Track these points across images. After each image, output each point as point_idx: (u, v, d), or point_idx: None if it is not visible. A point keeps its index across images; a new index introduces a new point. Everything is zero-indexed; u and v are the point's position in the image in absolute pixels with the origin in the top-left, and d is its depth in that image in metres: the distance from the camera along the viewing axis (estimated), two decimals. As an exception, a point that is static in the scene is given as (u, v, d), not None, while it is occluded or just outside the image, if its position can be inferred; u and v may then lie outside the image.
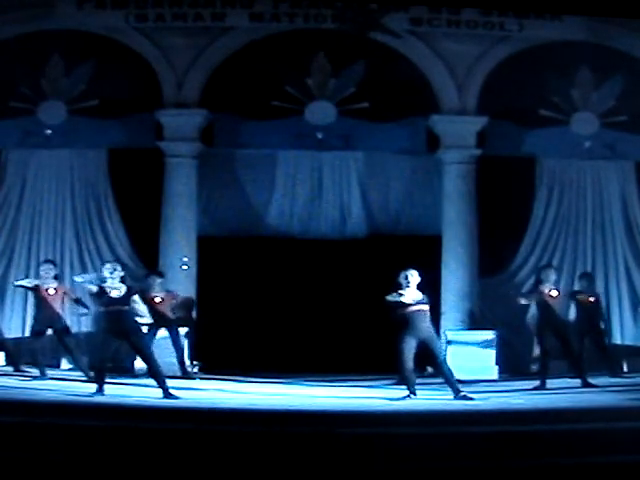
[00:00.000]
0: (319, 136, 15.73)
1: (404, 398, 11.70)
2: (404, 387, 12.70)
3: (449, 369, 12.07)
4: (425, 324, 11.97)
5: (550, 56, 15.57)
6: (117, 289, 11.76)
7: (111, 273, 11.82)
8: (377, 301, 15.38)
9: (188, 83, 15.82)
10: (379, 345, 14.98)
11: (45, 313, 13.65)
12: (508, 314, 15.33)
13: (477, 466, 8.29)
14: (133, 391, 11.93)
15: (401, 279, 12.08)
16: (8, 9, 15.30)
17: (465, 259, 15.52)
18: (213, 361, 14.69)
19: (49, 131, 15.66)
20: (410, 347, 11.87)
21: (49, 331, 13.75)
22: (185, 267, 14.27)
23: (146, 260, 15.65)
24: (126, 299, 11.77)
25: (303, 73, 15.78)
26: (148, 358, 11.80)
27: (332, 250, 15.70)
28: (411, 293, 12.01)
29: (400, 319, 11.99)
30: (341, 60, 15.71)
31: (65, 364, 14.73)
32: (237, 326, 15.28)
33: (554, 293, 13.66)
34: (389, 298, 12.06)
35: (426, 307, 12.00)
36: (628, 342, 15.52)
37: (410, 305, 11.91)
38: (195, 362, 14.66)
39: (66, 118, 15.72)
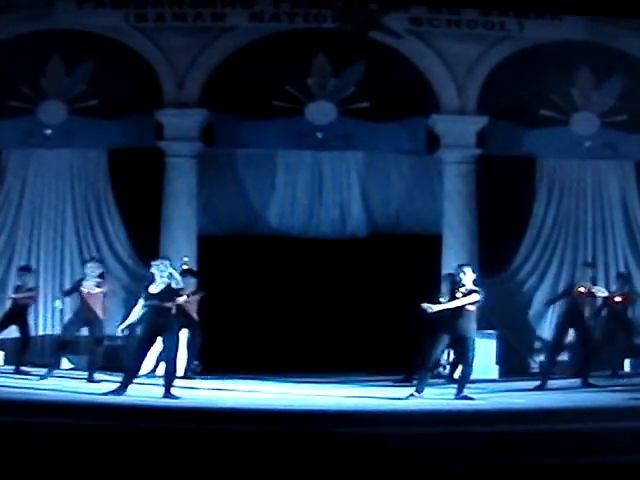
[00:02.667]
0: (319, 136, 15.73)
1: (408, 398, 11.66)
2: (405, 385, 12.74)
3: (470, 372, 11.86)
4: (465, 323, 11.69)
5: (550, 56, 15.57)
6: (157, 285, 11.61)
7: (160, 270, 11.62)
8: (376, 301, 15.53)
9: (188, 83, 15.83)
10: (379, 345, 15.05)
11: (80, 312, 13.56)
12: (508, 314, 15.33)
13: (477, 466, 8.30)
14: (133, 391, 11.91)
15: (456, 277, 11.87)
16: (8, 9, 15.31)
17: (465, 259, 15.45)
18: (213, 361, 14.67)
19: (49, 131, 15.66)
20: (443, 345, 11.87)
21: (84, 331, 13.64)
22: (185, 267, 14.26)
23: (146, 259, 15.62)
24: (165, 295, 11.55)
25: (303, 73, 15.78)
26: (171, 359, 11.72)
27: (332, 250, 15.69)
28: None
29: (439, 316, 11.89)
30: (341, 60, 15.71)
31: (65, 364, 14.73)
32: (237, 325, 15.28)
33: (582, 290, 13.68)
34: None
35: (472, 307, 11.71)
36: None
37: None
38: (195, 362, 14.64)
39: (66, 118, 15.72)
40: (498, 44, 15.82)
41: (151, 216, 15.50)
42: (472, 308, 11.71)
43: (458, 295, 11.70)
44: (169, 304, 11.59)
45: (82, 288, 13.50)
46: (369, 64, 15.62)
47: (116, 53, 15.60)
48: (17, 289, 14.33)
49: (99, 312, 13.45)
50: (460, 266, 12.08)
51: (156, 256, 15.19)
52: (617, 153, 15.98)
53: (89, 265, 13.86)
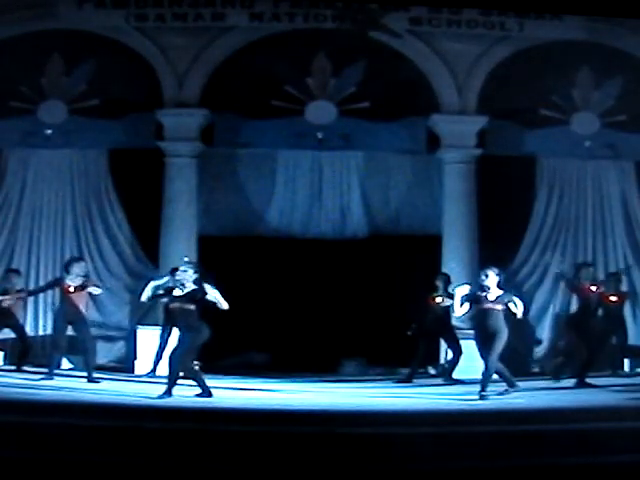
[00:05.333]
0: (319, 136, 15.73)
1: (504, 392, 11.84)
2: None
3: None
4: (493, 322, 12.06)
5: (550, 56, 15.56)
6: (181, 288, 11.83)
7: (184, 272, 11.90)
8: (376, 301, 15.53)
9: (188, 83, 15.82)
10: (379, 344, 15.05)
11: (63, 312, 13.62)
12: (508, 314, 15.30)
13: (477, 466, 8.30)
14: (133, 391, 11.92)
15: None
16: (8, 9, 15.31)
17: (465, 259, 15.51)
18: (213, 360, 14.67)
19: (49, 131, 15.66)
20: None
21: (70, 329, 13.71)
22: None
23: (147, 259, 15.69)
24: (189, 297, 11.79)
25: (303, 73, 15.78)
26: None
27: (332, 250, 15.69)
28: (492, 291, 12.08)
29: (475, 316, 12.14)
30: (341, 60, 15.71)
31: (65, 364, 14.74)
32: (237, 325, 15.26)
33: (594, 288, 13.78)
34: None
35: (499, 306, 12.07)
36: (629, 342, 15.49)
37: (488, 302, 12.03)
38: (196, 362, 14.63)
39: (66, 118, 15.71)
40: (498, 44, 15.82)
41: (151, 216, 15.50)
42: (499, 307, 12.04)
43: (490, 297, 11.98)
44: (192, 306, 11.82)
45: (69, 288, 13.58)
46: (369, 64, 15.62)
47: (116, 53, 15.60)
48: (5, 291, 14.34)
49: (83, 311, 13.58)
50: (483, 269, 12.31)
51: (157, 256, 15.39)
52: (617, 153, 15.97)
53: (76, 264, 13.94)
